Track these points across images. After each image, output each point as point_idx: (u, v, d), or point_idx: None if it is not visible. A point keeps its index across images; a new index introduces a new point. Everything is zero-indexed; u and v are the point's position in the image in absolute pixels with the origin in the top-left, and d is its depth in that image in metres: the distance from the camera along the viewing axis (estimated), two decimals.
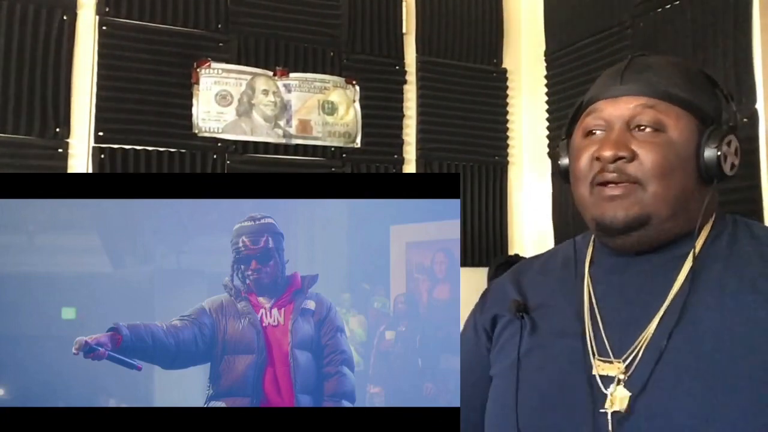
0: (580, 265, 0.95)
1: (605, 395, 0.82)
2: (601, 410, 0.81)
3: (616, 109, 0.88)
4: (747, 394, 0.76)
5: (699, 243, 0.87)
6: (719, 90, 0.91)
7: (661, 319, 0.83)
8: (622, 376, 0.82)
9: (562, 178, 0.99)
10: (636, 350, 0.83)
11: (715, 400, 0.76)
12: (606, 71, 0.95)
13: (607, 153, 0.85)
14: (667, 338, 0.81)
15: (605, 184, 0.86)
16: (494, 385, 0.96)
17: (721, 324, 0.80)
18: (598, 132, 0.90)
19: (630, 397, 0.80)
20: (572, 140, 0.96)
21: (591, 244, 0.97)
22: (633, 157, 0.85)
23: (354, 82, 2.36)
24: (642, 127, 0.86)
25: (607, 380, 0.83)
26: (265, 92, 2.24)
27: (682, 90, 0.87)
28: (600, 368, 0.84)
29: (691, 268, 0.85)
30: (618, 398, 0.81)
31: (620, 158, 0.85)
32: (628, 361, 0.83)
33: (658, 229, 0.86)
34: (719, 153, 0.85)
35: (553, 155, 2.43)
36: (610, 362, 0.84)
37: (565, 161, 0.98)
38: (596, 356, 0.85)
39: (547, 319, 0.93)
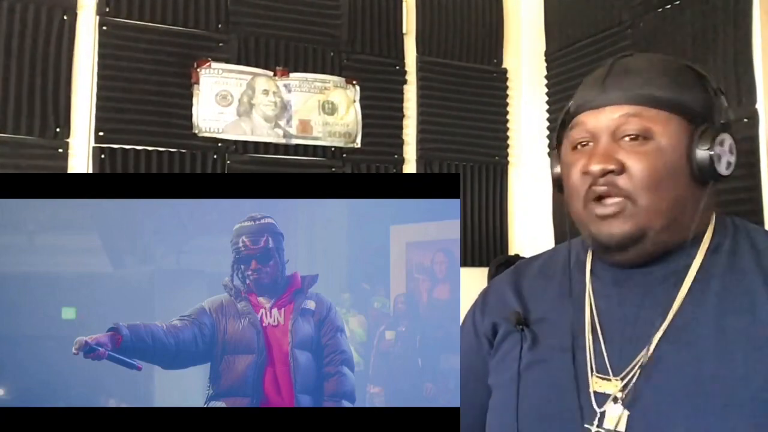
0: (580, 275, 0.94)
1: (600, 412, 0.81)
2: (594, 429, 0.81)
3: (599, 120, 0.85)
4: (744, 418, 0.75)
5: (700, 255, 0.85)
6: (709, 85, 0.88)
7: (660, 338, 0.82)
8: (619, 394, 0.81)
9: (555, 187, 0.97)
10: (634, 369, 0.82)
11: (710, 424, 0.75)
12: (587, 78, 0.92)
13: (595, 167, 0.83)
14: (665, 358, 0.80)
15: (598, 199, 0.84)
16: (494, 397, 0.96)
17: (720, 345, 0.79)
18: (586, 144, 0.87)
19: (627, 416, 0.79)
20: (562, 152, 0.93)
21: (590, 250, 0.95)
22: (622, 169, 0.82)
23: (354, 82, 2.36)
24: (630, 137, 0.83)
25: (604, 398, 0.82)
26: (266, 92, 2.24)
27: (668, 91, 0.84)
28: (598, 385, 0.83)
29: (690, 286, 0.83)
30: (613, 417, 0.80)
31: (609, 171, 0.83)
32: (626, 379, 0.82)
33: (654, 241, 0.84)
34: (711, 153, 0.82)
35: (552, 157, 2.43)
36: (609, 379, 0.83)
37: (557, 170, 0.96)
38: (594, 373, 0.84)
39: (548, 333, 0.92)
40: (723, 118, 0.86)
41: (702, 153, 0.83)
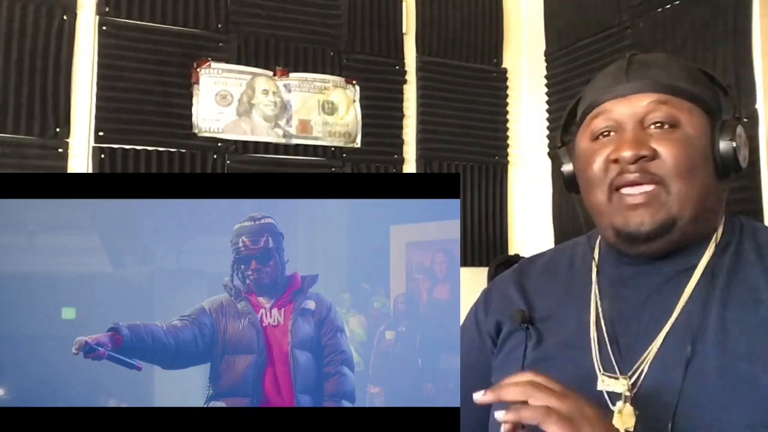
0: (586, 273, 0.93)
1: (612, 411, 0.80)
2: None
3: (627, 108, 0.85)
4: (749, 412, 0.74)
5: (708, 253, 0.85)
6: (716, 83, 0.89)
7: (666, 335, 0.81)
8: (628, 393, 0.80)
9: (566, 186, 0.96)
10: (641, 367, 0.81)
11: (716, 420, 0.75)
12: (603, 72, 0.92)
13: (627, 153, 0.82)
14: (671, 355, 0.80)
15: (627, 186, 0.83)
16: None
17: (726, 344, 0.78)
18: (608, 134, 0.87)
19: (636, 414, 0.79)
20: (576, 145, 0.92)
21: (597, 248, 0.95)
22: (654, 155, 0.82)
23: (354, 82, 2.36)
24: (657, 124, 0.83)
25: (614, 396, 0.81)
26: (265, 92, 2.24)
27: (689, 83, 0.85)
28: (606, 384, 0.82)
29: (696, 284, 0.83)
30: (621, 415, 0.79)
31: (641, 157, 0.82)
32: (634, 377, 0.81)
33: (682, 232, 0.83)
34: (734, 145, 0.83)
35: (553, 155, 2.43)
36: (616, 378, 0.82)
37: (569, 167, 0.95)
38: (602, 371, 0.83)
39: (553, 332, 0.91)
40: (737, 113, 0.87)
41: (725, 144, 0.84)
